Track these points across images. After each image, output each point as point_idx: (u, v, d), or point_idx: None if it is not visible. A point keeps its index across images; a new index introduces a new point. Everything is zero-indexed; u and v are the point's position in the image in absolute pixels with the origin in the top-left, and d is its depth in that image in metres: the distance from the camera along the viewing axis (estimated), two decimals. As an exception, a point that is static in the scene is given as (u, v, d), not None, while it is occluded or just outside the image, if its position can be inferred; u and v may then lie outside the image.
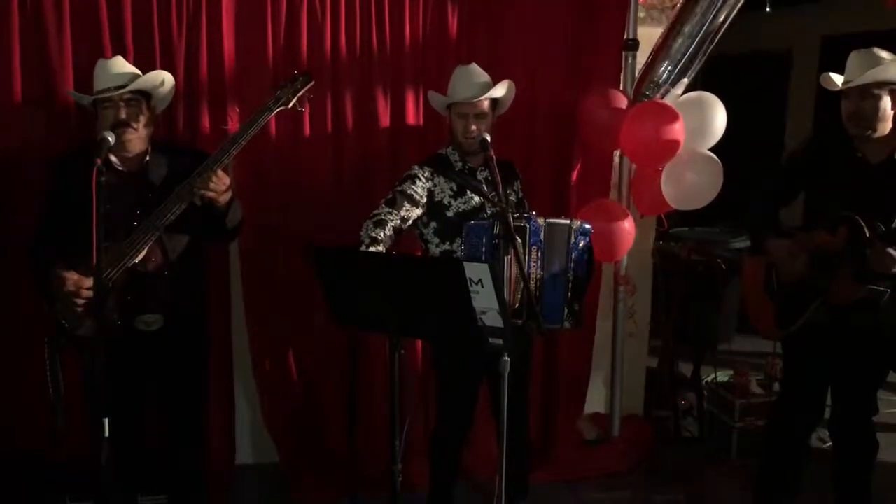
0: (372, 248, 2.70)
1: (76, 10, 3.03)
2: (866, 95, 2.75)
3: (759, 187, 3.12)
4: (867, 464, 2.96)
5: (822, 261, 2.79)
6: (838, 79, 2.84)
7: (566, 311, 2.78)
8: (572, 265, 2.78)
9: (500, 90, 2.91)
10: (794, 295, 2.88)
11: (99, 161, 2.19)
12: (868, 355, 2.85)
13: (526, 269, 2.66)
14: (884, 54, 2.76)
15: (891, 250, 2.62)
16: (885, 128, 2.79)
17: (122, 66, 2.70)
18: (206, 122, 3.23)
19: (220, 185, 2.61)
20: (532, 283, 2.72)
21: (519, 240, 2.65)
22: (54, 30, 3.01)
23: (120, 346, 2.57)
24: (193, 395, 2.94)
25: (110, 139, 2.38)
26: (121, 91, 2.62)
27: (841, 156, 2.86)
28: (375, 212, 2.83)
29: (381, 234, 2.73)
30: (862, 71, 2.75)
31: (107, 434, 2.16)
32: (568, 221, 2.81)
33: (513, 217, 2.63)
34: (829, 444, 3.58)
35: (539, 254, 2.74)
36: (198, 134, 3.22)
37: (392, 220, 2.79)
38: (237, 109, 3.23)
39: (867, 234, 2.66)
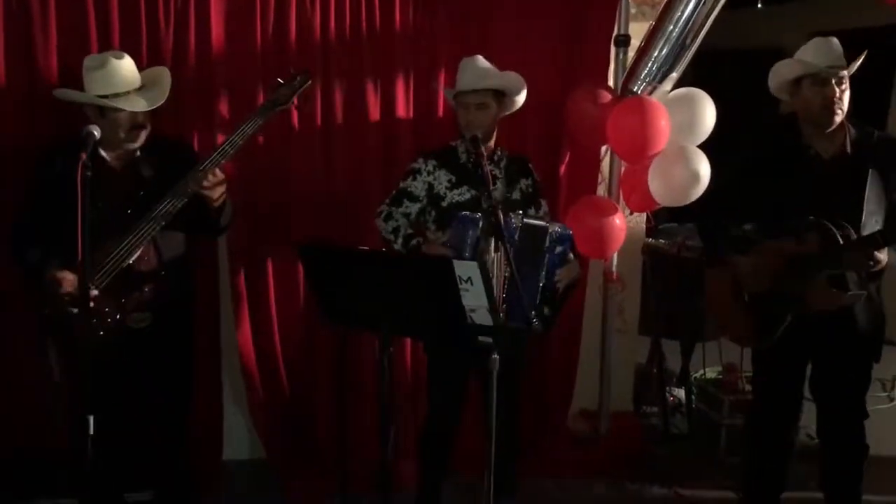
0: (399, 238, 2.86)
1: (62, 4, 2.99)
2: (842, 81, 2.70)
3: (712, 195, 3.13)
4: (857, 468, 2.93)
5: (794, 269, 2.74)
6: (797, 63, 2.77)
7: (533, 313, 2.75)
8: (544, 270, 2.75)
9: (499, 79, 2.90)
10: (768, 304, 2.83)
11: (84, 156, 2.14)
12: (848, 357, 2.82)
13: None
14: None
15: (871, 251, 2.60)
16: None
17: (131, 65, 2.67)
18: (193, 114, 3.20)
19: (217, 184, 2.59)
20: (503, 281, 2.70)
21: (501, 237, 2.61)
22: (40, 21, 2.98)
23: (107, 342, 2.55)
24: (179, 391, 2.93)
25: (96, 133, 2.34)
26: (146, 94, 2.62)
27: (791, 154, 2.82)
28: (379, 210, 2.96)
29: (399, 224, 2.89)
30: (829, 56, 2.69)
31: (91, 432, 2.13)
32: (546, 224, 2.78)
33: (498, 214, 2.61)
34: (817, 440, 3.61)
35: (511, 252, 2.71)
36: (185, 124, 3.19)
37: (396, 216, 2.91)
38: (225, 101, 3.21)
39: (840, 242, 2.62)
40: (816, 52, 2.74)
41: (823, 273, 2.69)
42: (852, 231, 2.65)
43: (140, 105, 2.60)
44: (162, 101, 2.67)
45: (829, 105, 2.70)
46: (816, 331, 2.77)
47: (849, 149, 2.76)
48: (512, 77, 2.96)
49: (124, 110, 2.59)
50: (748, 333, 2.96)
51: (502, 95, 2.95)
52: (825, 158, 2.78)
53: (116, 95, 2.59)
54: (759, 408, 3.12)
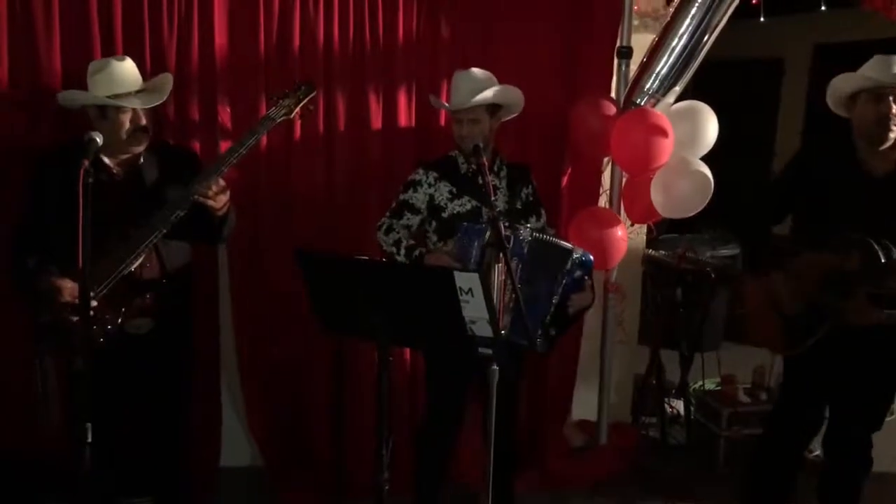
0: (402, 250, 2.85)
1: (65, 8, 2.99)
2: None
3: (752, 203, 3.08)
4: (859, 482, 2.93)
5: (833, 283, 2.71)
6: (855, 78, 2.73)
7: (539, 331, 2.72)
8: (559, 290, 2.70)
9: (490, 95, 2.87)
10: (803, 314, 2.80)
11: (86, 162, 2.13)
12: (878, 372, 2.81)
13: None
14: None
15: None
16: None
17: (133, 67, 2.68)
18: (196, 118, 3.20)
19: (219, 193, 2.59)
20: (506, 294, 2.68)
21: (503, 249, 2.60)
22: (43, 25, 2.97)
23: (107, 348, 2.54)
24: (177, 397, 2.92)
25: (98, 140, 2.34)
26: (148, 94, 2.63)
27: (842, 169, 2.78)
28: (380, 223, 2.96)
29: (400, 236, 2.88)
30: (888, 73, 2.64)
31: (89, 439, 2.13)
32: (570, 247, 2.73)
33: (503, 225, 2.60)
34: (816, 453, 3.60)
35: (519, 266, 2.69)
36: (187, 130, 3.20)
37: (397, 228, 2.90)
38: (228, 107, 3.21)
39: (882, 260, 2.59)
40: (876, 68, 2.70)
41: (863, 289, 2.66)
42: (895, 250, 2.61)
43: (139, 104, 2.61)
44: (161, 101, 2.68)
45: (884, 121, 2.67)
46: (851, 344, 2.75)
47: None
48: (506, 91, 2.93)
49: (125, 110, 2.59)
50: (779, 339, 2.92)
51: (497, 107, 2.93)
52: (877, 176, 2.74)
53: (117, 96, 2.60)
54: (781, 417, 3.08)
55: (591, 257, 2.78)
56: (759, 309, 2.96)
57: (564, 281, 2.70)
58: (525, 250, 2.70)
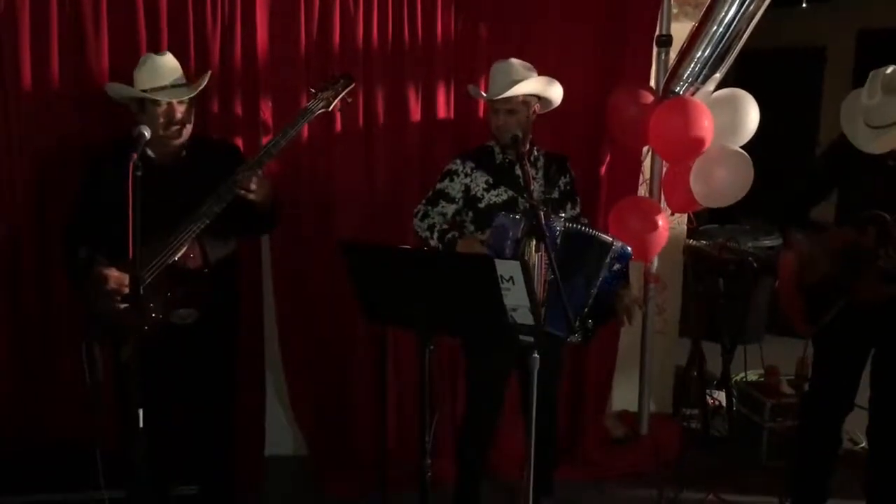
0: (435, 234, 2.86)
1: (113, 7, 3.07)
2: None
3: (791, 185, 3.09)
4: None
5: (849, 259, 2.74)
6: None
7: (577, 324, 2.72)
8: (597, 283, 2.70)
9: (525, 87, 2.86)
10: (821, 290, 2.84)
11: (135, 156, 2.21)
12: None
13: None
14: None
15: None
16: None
17: (172, 62, 2.76)
18: (238, 113, 3.27)
19: (261, 186, 2.64)
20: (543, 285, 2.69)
21: (543, 238, 2.60)
22: (91, 24, 3.05)
23: (154, 338, 2.60)
24: (224, 387, 2.98)
25: (146, 134, 2.40)
26: (181, 97, 2.68)
27: (873, 159, 2.77)
28: (416, 210, 2.97)
29: (434, 221, 2.90)
30: None
31: (141, 425, 2.19)
32: (610, 240, 2.74)
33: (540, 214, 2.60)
34: (862, 444, 3.55)
35: (552, 256, 2.70)
36: (231, 126, 3.25)
37: (432, 215, 2.91)
38: (269, 103, 3.26)
39: (893, 234, 2.61)
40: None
41: (875, 265, 2.67)
42: None
43: (168, 97, 2.67)
44: (190, 95, 2.72)
45: None
46: (881, 322, 2.76)
47: None
48: (544, 82, 2.93)
49: (159, 103, 2.66)
50: (799, 317, 2.97)
51: (535, 98, 2.92)
52: None
53: (154, 90, 2.67)
54: (814, 393, 3.09)
55: (630, 249, 2.77)
56: (786, 284, 3.02)
57: (603, 274, 2.70)
58: (558, 241, 2.70)
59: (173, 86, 2.71)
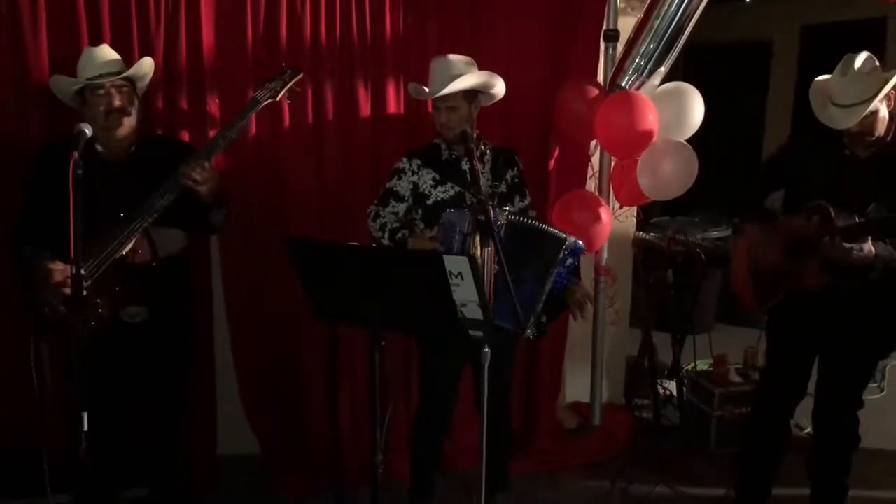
0: (386, 234, 2.86)
1: (51, 2, 3.00)
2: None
3: (747, 183, 3.19)
4: (846, 458, 2.98)
5: (796, 247, 2.83)
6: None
7: (532, 320, 2.75)
8: (552, 279, 2.73)
9: (464, 82, 2.85)
10: (770, 277, 2.94)
11: (76, 154, 2.17)
12: (857, 347, 2.86)
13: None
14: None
15: (850, 244, 2.63)
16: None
17: (110, 53, 2.74)
18: (184, 108, 3.22)
19: (209, 178, 2.61)
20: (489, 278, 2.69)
21: (490, 233, 2.60)
22: (29, 19, 2.98)
23: (104, 337, 2.56)
24: (176, 387, 2.94)
25: (87, 131, 2.35)
26: (114, 77, 2.66)
27: (828, 151, 2.86)
28: (368, 210, 2.97)
29: (386, 220, 2.89)
30: None
31: (85, 428, 2.15)
32: (563, 235, 2.75)
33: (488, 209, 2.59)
34: (807, 430, 3.64)
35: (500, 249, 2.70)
36: (176, 122, 3.21)
37: (384, 215, 2.90)
38: (216, 99, 3.22)
39: (834, 225, 2.67)
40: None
41: (816, 254, 2.74)
42: (856, 220, 2.67)
43: (109, 77, 2.65)
44: (129, 73, 2.70)
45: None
46: (831, 311, 2.82)
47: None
48: (483, 77, 2.92)
49: (98, 92, 2.64)
50: (750, 299, 3.07)
51: (476, 93, 2.92)
52: (861, 157, 2.81)
53: (93, 78, 2.65)
54: (767, 382, 3.19)
55: (582, 244, 2.80)
56: (738, 268, 3.11)
57: (558, 269, 2.73)
58: (501, 233, 2.70)
59: (115, 74, 2.69)
